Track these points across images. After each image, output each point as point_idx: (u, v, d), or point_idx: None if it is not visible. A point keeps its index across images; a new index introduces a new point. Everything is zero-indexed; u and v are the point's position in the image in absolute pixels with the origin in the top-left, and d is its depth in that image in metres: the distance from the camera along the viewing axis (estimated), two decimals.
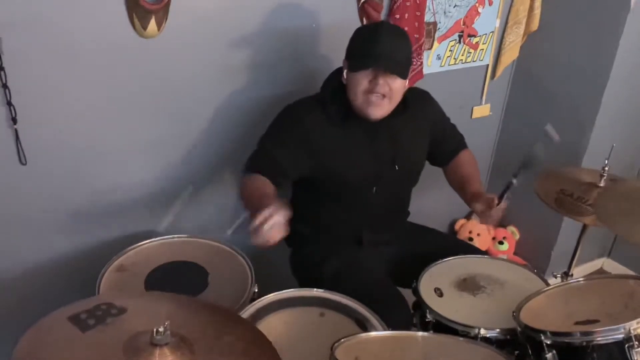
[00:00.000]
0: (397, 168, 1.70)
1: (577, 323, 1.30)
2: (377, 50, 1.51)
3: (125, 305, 1.11)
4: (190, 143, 1.86)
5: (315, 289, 1.52)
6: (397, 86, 1.55)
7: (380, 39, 1.51)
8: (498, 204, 1.59)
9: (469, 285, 1.62)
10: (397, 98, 1.59)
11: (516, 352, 1.38)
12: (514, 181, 1.59)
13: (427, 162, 1.91)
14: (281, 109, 1.68)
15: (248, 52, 1.83)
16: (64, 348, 1.00)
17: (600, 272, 2.96)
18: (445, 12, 2.23)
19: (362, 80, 1.53)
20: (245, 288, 1.52)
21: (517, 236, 2.83)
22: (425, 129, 1.79)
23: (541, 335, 1.26)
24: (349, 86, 1.58)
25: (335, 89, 1.63)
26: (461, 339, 1.37)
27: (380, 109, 1.57)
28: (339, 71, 1.66)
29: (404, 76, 1.56)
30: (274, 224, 1.29)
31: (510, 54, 2.51)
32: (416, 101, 1.69)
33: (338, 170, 1.65)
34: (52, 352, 0.99)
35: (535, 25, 2.47)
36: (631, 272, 2.68)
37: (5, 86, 1.45)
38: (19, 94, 1.48)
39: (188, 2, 1.65)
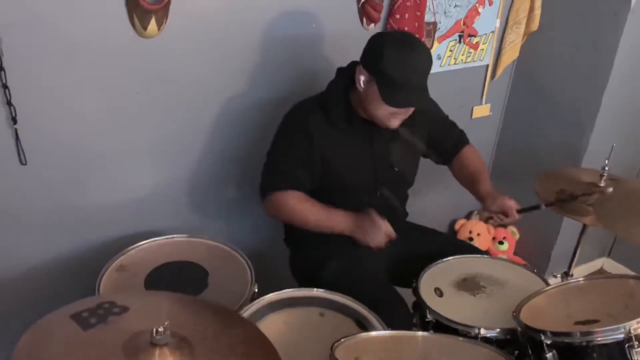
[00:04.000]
0: (396, 170, 1.71)
1: (577, 323, 1.30)
2: (416, 90, 1.52)
3: (127, 304, 1.11)
4: (190, 143, 1.86)
5: (315, 289, 1.52)
6: None
7: (418, 75, 1.51)
8: (518, 214, 1.70)
9: (469, 285, 1.62)
10: None
11: (516, 352, 1.38)
12: (543, 207, 1.73)
13: (429, 162, 1.91)
14: (282, 117, 1.67)
15: (248, 52, 1.83)
16: (65, 346, 1.00)
17: (600, 272, 2.96)
18: (445, 12, 2.23)
19: (390, 109, 1.53)
20: (245, 288, 1.51)
21: (517, 236, 2.83)
22: (422, 128, 1.78)
23: (541, 335, 1.26)
24: (370, 100, 1.55)
25: (339, 93, 1.63)
26: (461, 339, 1.37)
27: (400, 122, 1.60)
28: (341, 72, 1.65)
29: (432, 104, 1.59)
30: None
31: (511, 54, 2.51)
32: None
33: (339, 174, 1.66)
34: (53, 350, 0.99)
35: (535, 25, 2.47)
36: (631, 272, 2.68)
37: (5, 86, 1.45)
38: (19, 94, 1.48)
39: (188, 2, 1.65)
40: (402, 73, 1.49)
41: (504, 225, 2.83)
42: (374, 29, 2.05)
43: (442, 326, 1.46)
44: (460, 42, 2.34)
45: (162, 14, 1.59)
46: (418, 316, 1.57)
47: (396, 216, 1.82)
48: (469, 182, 1.83)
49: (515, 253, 2.82)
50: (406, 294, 1.64)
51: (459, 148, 1.89)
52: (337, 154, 1.64)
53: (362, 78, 1.54)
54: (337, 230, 1.65)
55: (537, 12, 2.44)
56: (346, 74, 1.62)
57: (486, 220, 2.79)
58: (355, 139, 1.65)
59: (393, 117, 1.56)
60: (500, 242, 2.77)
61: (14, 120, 1.50)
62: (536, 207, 1.72)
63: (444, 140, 1.86)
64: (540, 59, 2.53)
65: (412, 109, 1.58)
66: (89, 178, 1.71)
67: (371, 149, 1.67)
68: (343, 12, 1.98)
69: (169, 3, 1.60)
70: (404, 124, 1.62)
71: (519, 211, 1.69)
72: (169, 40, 1.65)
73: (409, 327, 1.54)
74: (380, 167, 1.70)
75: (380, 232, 1.61)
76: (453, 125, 1.91)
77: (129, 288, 1.50)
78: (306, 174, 1.64)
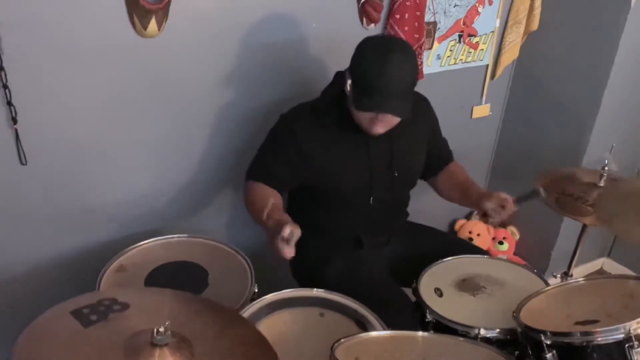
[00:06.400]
0: (395, 174, 1.70)
1: (577, 323, 1.30)
2: (384, 95, 1.47)
3: (128, 301, 1.11)
4: (190, 142, 1.86)
5: (315, 289, 1.52)
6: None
7: (388, 79, 1.45)
8: (515, 205, 1.63)
9: (469, 285, 1.62)
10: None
11: (516, 352, 1.38)
12: (542, 191, 1.67)
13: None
14: (278, 117, 1.67)
15: (248, 52, 1.83)
16: (65, 343, 1.00)
17: (600, 272, 2.96)
18: (445, 12, 2.23)
19: (366, 114, 1.53)
20: (245, 288, 1.52)
21: (517, 236, 2.83)
22: (424, 134, 1.79)
23: (541, 335, 1.26)
24: (351, 107, 1.55)
25: (334, 97, 1.62)
26: (461, 339, 1.37)
27: (383, 129, 1.57)
28: (339, 77, 1.64)
29: (408, 114, 1.54)
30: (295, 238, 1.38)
31: (510, 54, 2.51)
32: (416, 106, 1.67)
33: (334, 178, 1.65)
34: (52, 346, 0.99)
35: (535, 25, 2.47)
36: (631, 272, 2.68)
37: (5, 86, 1.45)
38: (19, 94, 1.48)
39: (188, 2, 1.65)
40: (371, 76, 1.46)
41: (504, 226, 2.83)
42: (374, 29, 2.05)
43: (442, 326, 1.46)
44: (460, 42, 2.34)
45: (162, 14, 1.59)
46: (418, 316, 1.57)
47: (389, 223, 1.81)
48: (459, 190, 1.82)
49: (515, 253, 2.82)
50: (406, 293, 1.65)
51: (446, 163, 1.91)
52: (329, 159, 1.63)
53: (348, 82, 1.54)
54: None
55: (537, 12, 2.44)
56: (341, 79, 1.61)
57: (485, 220, 2.78)
58: (351, 144, 1.64)
59: (373, 123, 1.54)
60: (500, 242, 2.77)
61: (14, 120, 1.50)
62: (534, 193, 1.66)
63: (436, 153, 1.86)
64: (540, 59, 2.52)
65: (396, 117, 1.55)
66: (89, 178, 1.71)
67: (368, 152, 1.66)
68: (343, 12, 1.98)
69: (169, 3, 1.60)
70: (404, 127, 1.61)
71: (516, 200, 1.64)
72: (169, 40, 1.65)
73: (414, 325, 1.53)
74: (378, 172, 1.68)
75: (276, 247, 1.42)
76: (445, 142, 1.93)
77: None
78: (285, 172, 1.63)
